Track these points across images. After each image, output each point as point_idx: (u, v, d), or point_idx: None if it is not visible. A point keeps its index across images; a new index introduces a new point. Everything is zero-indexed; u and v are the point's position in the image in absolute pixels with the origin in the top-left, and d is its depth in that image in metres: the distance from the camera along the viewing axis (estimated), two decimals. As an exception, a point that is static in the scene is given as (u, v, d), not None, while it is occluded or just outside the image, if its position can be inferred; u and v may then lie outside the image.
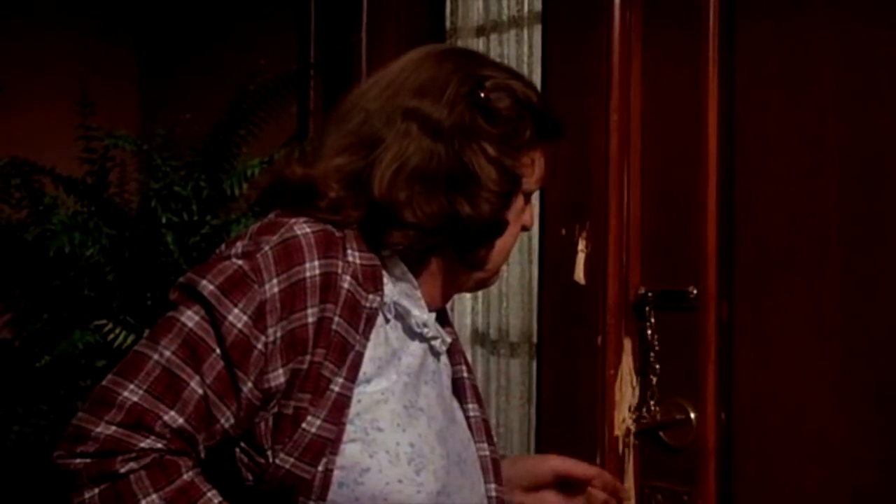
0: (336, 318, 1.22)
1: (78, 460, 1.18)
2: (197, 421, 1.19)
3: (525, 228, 1.38)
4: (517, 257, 2.26)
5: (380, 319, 1.26)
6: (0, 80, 2.91)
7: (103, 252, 2.28)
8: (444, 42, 2.39)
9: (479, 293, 2.33)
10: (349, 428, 1.21)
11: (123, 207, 2.43)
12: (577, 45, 1.69)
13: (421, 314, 1.31)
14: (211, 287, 1.20)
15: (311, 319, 1.21)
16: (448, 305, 2.56)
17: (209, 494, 1.19)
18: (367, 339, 1.24)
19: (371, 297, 1.25)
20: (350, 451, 1.21)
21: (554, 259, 1.69)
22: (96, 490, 1.18)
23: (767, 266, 1.55)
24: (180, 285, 1.24)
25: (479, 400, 1.39)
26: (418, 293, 1.31)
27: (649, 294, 1.63)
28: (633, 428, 1.64)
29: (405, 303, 1.30)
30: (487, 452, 1.36)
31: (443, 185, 1.26)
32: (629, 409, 1.65)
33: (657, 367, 1.63)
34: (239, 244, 1.25)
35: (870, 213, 1.47)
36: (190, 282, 1.22)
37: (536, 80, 2.18)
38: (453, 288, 1.36)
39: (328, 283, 1.22)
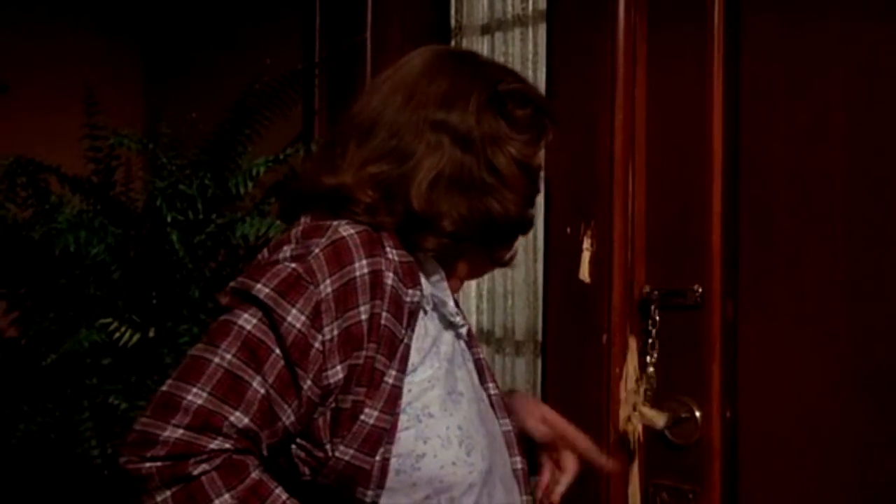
0: (384, 314, 1.27)
1: (148, 464, 1.20)
2: (261, 420, 1.22)
3: None
4: (522, 256, 2.26)
5: (420, 312, 1.32)
6: (6, 80, 2.92)
7: (109, 251, 2.29)
8: (448, 42, 2.39)
9: (485, 292, 2.34)
10: (403, 417, 1.27)
11: (129, 206, 2.43)
12: (582, 44, 1.69)
13: (452, 305, 1.38)
14: (267, 290, 1.24)
15: (363, 316, 1.26)
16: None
17: (277, 491, 1.23)
18: (413, 331, 1.29)
19: (411, 292, 1.30)
20: (405, 439, 1.26)
21: (559, 258, 1.70)
22: (168, 493, 1.20)
23: (772, 265, 1.55)
24: (233, 290, 1.28)
25: (494, 379, 1.46)
26: (445, 284, 1.38)
27: (654, 293, 1.63)
28: (638, 426, 1.64)
29: (440, 294, 1.36)
30: (511, 427, 1.42)
31: (476, 191, 1.32)
32: (634, 408, 1.65)
33: (662, 365, 1.63)
34: (286, 248, 1.29)
35: (876, 211, 1.47)
36: (244, 286, 1.26)
37: (541, 78, 2.18)
38: (472, 278, 1.44)
39: (376, 280, 1.27)
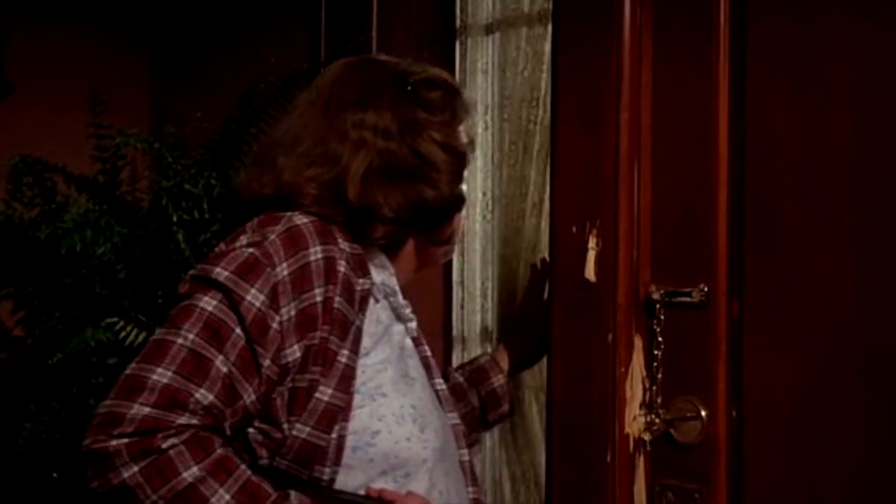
0: (337, 298, 1.33)
1: (115, 442, 1.23)
2: (224, 398, 1.27)
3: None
4: (518, 253, 2.26)
5: (371, 300, 1.39)
6: (12, 80, 2.93)
7: (115, 250, 2.30)
8: (454, 42, 2.40)
9: (489, 290, 2.34)
10: (357, 396, 1.33)
11: (135, 206, 2.44)
12: (588, 44, 1.69)
13: (401, 297, 1.46)
14: (226, 273, 1.30)
15: (318, 299, 1.32)
16: (457, 303, 2.57)
17: (242, 466, 1.27)
18: (364, 315, 1.36)
19: (362, 280, 1.38)
20: (360, 417, 1.32)
21: (564, 257, 1.69)
22: (136, 468, 1.22)
23: (778, 264, 1.55)
24: (192, 277, 1.34)
25: (441, 375, 1.54)
26: (394, 279, 1.46)
27: (660, 292, 1.63)
28: (644, 425, 1.64)
29: (391, 285, 1.45)
30: (458, 421, 1.50)
31: (406, 178, 1.41)
32: (640, 407, 1.65)
33: (668, 364, 1.63)
34: (243, 237, 1.36)
35: (882, 210, 1.47)
36: (203, 272, 1.32)
37: (546, 78, 2.18)
38: (421, 267, 1.52)
39: (329, 266, 1.34)
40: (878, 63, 1.47)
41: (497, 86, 2.32)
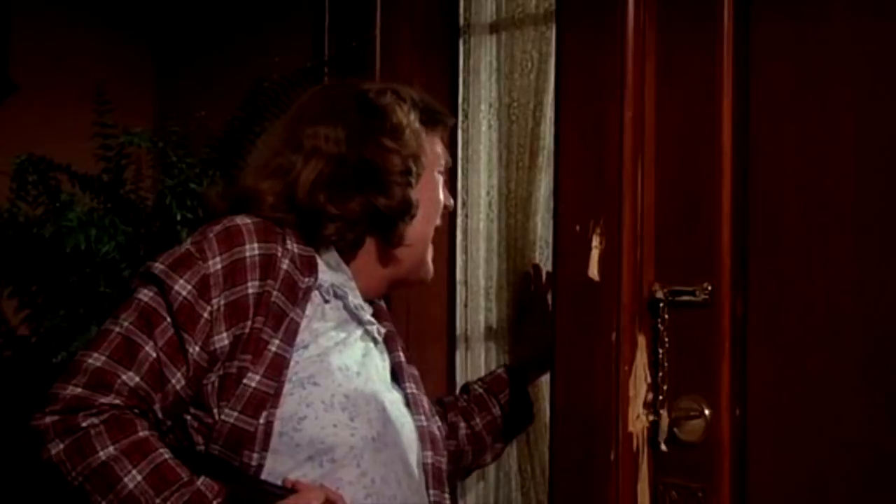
0: (275, 293, 1.41)
1: (47, 419, 1.33)
2: (151, 381, 1.36)
3: (446, 208, 1.64)
4: (524, 254, 2.26)
5: (317, 297, 1.47)
6: (16, 79, 2.93)
7: (119, 249, 2.30)
8: (457, 41, 2.40)
9: (493, 290, 2.34)
10: (288, 385, 1.39)
11: (139, 204, 2.44)
12: (591, 43, 1.69)
13: (356, 300, 1.52)
14: (162, 266, 1.41)
15: (251, 291, 1.40)
16: (461, 302, 2.57)
17: (161, 450, 1.34)
18: (304, 311, 1.43)
19: (307, 279, 1.45)
20: (289, 403, 1.38)
21: (568, 255, 1.69)
22: (61, 445, 1.32)
23: (782, 263, 1.55)
24: (139, 273, 1.45)
25: (416, 382, 1.60)
26: (352, 283, 1.53)
27: (664, 290, 1.63)
28: (647, 424, 1.65)
29: (343, 287, 1.50)
30: (425, 424, 1.55)
31: (355, 182, 1.49)
32: (643, 406, 1.65)
33: (671, 363, 1.63)
34: (189, 238, 1.47)
35: (887, 209, 1.47)
36: (145, 268, 1.44)
37: (550, 78, 2.18)
38: (389, 271, 1.57)
39: (268, 262, 1.42)
40: (884, 63, 1.47)
41: (504, 85, 2.32)
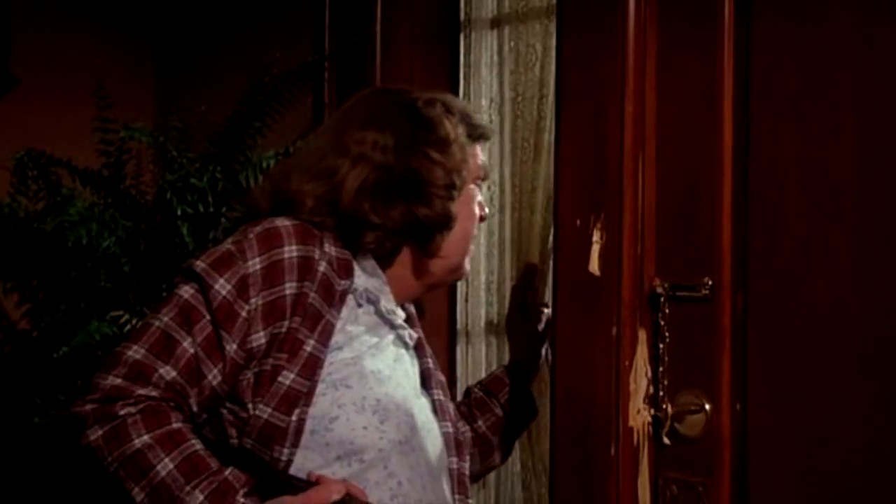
0: (312, 294, 1.44)
1: (88, 406, 1.39)
2: (188, 375, 1.41)
3: (482, 219, 1.66)
4: (529, 248, 2.26)
5: (351, 301, 1.50)
6: (17, 73, 2.93)
7: (119, 243, 2.30)
8: (458, 35, 2.40)
9: (494, 284, 2.34)
10: (321, 385, 1.43)
11: (139, 199, 2.44)
12: (592, 37, 1.69)
13: (389, 304, 1.54)
14: (203, 265, 1.44)
15: (288, 292, 1.44)
16: (461, 296, 2.57)
17: (192, 440, 1.40)
18: (339, 313, 1.46)
19: (343, 281, 1.48)
20: (321, 403, 1.42)
21: (568, 250, 1.69)
22: (100, 432, 1.38)
23: (783, 258, 1.55)
24: (181, 270, 1.48)
25: (443, 388, 1.63)
26: (387, 288, 1.56)
27: (664, 285, 1.63)
28: (648, 419, 1.65)
29: (375, 292, 1.53)
30: (451, 430, 1.59)
31: (399, 192, 1.51)
32: (644, 400, 1.65)
33: (672, 358, 1.63)
34: (231, 238, 1.50)
35: (888, 204, 1.47)
36: (187, 265, 1.47)
37: (551, 71, 2.18)
38: (424, 279, 1.60)
39: (306, 264, 1.45)
40: (884, 59, 1.47)
41: (509, 80, 2.32)
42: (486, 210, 1.67)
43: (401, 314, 1.58)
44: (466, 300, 2.39)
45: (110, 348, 2.27)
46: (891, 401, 1.46)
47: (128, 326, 2.21)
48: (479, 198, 1.64)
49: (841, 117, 1.50)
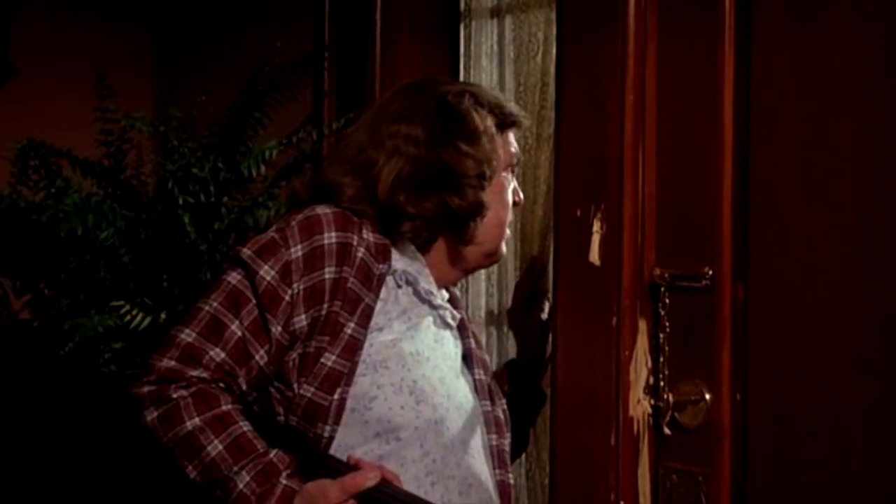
0: (351, 279, 1.52)
1: (145, 388, 1.49)
2: (237, 356, 1.49)
3: (516, 204, 1.69)
4: (531, 238, 2.26)
5: (391, 282, 1.56)
6: (17, 63, 2.92)
7: (118, 234, 2.30)
8: (458, 25, 2.39)
9: (493, 275, 2.34)
10: (361, 366, 1.50)
11: (140, 189, 2.44)
12: (593, 26, 1.68)
13: (428, 286, 1.59)
14: (249, 252, 1.53)
15: (328, 276, 1.51)
16: (462, 287, 2.57)
17: (240, 423, 1.48)
18: (378, 296, 1.54)
19: (381, 266, 1.55)
20: (361, 383, 1.50)
21: (569, 240, 1.70)
22: (156, 413, 1.48)
23: (783, 247, 1.55)
24: (228, 257, 1.58)
25: (485, 368, 1.68)
26: (427, 271, 1.61)
27: (664, 275, 1.63)
28: (648, 409, 1.65)
29: (413, 273, 1.58)
30: (490, 409, 1.64)
31: (432, 183, 1.56)
32: (644, 390, 1.66)
33: (672, 348, 1.63)
34: (275, 225, 1.57)
35: (887, 194, 1.46)
36: (234, 251, 1.56)
37: (551, 61, 2.18)
38: (461, 265, 1.65)
39: (344, 250, 1.52)
40: (885, 47, 1.47)
41: (509, 70, 2.31)
42: (521, 196, 1.71)
43: (443, 295, 1.64)
44: (467, 290, 2.39)
45: (109, 340, 2.28)
46: (890, 389, 1.46)
47: (128, 317, 2.22)
48: (514, 184, 1.69)
49: (842, 105, 1.50)
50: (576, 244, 1.67)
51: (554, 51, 2.16)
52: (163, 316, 2.26)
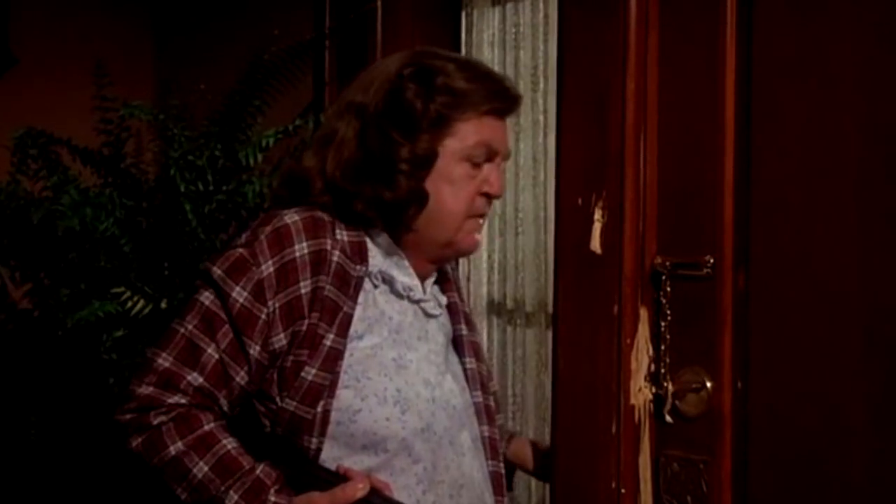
0: (328, 287, 1.46)
1: (127, 416, 1.48)
2: (215, 379, 1.46)
3: (489, 195, 1.56)
4: (532, 227, 2.26)
5: (367, 285, 1.51)
6: (16, 52, 2.92)
7: (118, 224, 2.30)
8: (459, 13, 2.38)
9: (495, 264, 2.33)
10: (343, 377, 1.47)
11: (139, 178, 2.44)
12: (594, 13, 1.67)
13: (407, 280, 1.54)
14: (219, 272, 1.47)
15: (304, 290, 1.46)
16: (463, 275, 2.57)
17: (224, 441, 1.46)
18: (356, 302, 1.49)
19: (358, 267, 1.50)
20: (344, 396, 1.46)
21: (570, 228, 1.69)
22: (139, 440, 1.46)
23: (785, 235, 1.54)
24: (200, 272, 1.51)
25: (477, 354, 1.62)
26: (406, 262, 1.55)
27: (666, 263, 1.63)
28: (649, 396, 1.65)
29: (391, 271, 1.53)
30: (481, 399, 1.60)
31: (367, 175, 1.49)
32: (645, 378, 1.65)
33: (673, 336, 1.63)
34: (243, 236, 1.50)
35: (888, 181, 1.46)
36: (205, 269, 1.50)
37: (552, 48, 2.17)
38: (425, 254, 1.55)
39: (318, 259, 1.47)
40: (886, 37, 1.46)
41: (510, 57, 2.31)
42: (497, 187, 1.56)
43: (419, 288, 1.55)
44: (468, 279, 2.39)
45: (111, 328, 2.28)
46: (891, 377, 1.46)
47: (129, 304, 2.22)
48: (486, 175, 1.54)
49: (845, 93, 1.49)
50: (577, 232, 1.67)
51: (554, 39, 2.15)
52: (163, 304, 2.26)
